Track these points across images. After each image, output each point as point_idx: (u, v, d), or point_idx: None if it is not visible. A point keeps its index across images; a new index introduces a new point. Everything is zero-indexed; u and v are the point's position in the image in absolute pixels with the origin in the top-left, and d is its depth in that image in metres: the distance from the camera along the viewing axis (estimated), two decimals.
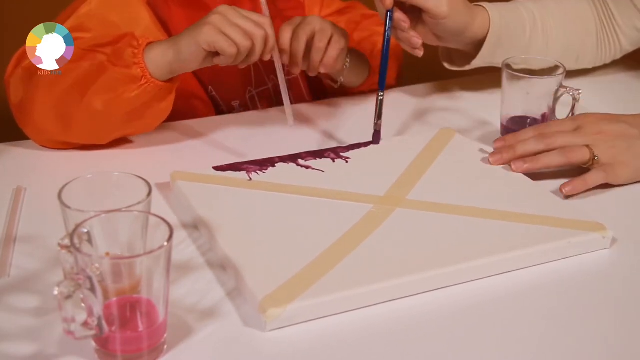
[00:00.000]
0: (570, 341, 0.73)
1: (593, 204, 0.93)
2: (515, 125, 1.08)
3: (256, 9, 1.05)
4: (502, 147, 0.99)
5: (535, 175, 0.97)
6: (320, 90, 1.28)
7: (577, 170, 0.96)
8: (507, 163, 0.98)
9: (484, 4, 1.14)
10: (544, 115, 1.08)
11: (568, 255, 0.84)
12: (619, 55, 1.27)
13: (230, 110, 1.22)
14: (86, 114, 1.00)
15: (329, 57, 1.06)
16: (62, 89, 0.99)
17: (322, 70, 1.08)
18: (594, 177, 0.94)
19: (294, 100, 1.22)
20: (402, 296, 0.77)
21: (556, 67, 1.08)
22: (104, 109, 0.99)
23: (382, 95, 1.04)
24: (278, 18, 1.11)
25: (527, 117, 1.08)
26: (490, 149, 1.04)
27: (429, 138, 1.06)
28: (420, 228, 0.86)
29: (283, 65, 1.07)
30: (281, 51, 1.05)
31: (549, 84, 1.06)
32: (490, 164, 0.97)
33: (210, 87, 1.19)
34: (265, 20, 0.99)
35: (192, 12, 1.11)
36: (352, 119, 1.16)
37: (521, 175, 0.97)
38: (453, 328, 0.74)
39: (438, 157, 1.01)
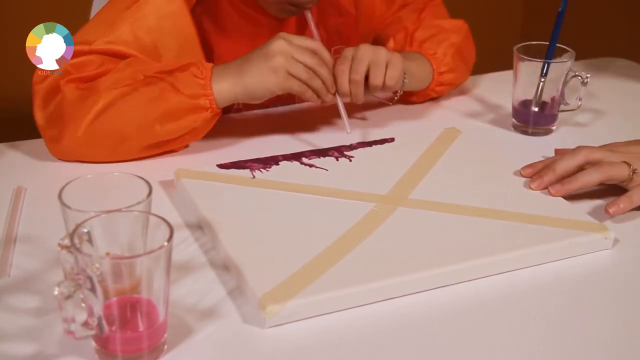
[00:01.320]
0: (571, 341, 0.73)
1: (595, 205, 0.93)
2: (526, 108, 1.11)
3: (304, 32, 1.05)
4: (538, 169, 0.96)
5: None
6: None
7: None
8: (549, 185, 0.93)
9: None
10: (553, 99, 1.10)
11: (570, 255, 0.84)
12: None
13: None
14: (140, 136, 1.00)
15: (387, 88, 1.08)
16: (119, 112, 0.98)
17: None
18: (638, 195, 0.90)
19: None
20: (402, 294, 0.77)
21: (566, 52, 1.10)
22: (162, 132, 1.00)
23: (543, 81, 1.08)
24: (330, 34, 1.12)
25: None
26: (493, 148, 1.04)
27: (433, 137, 1.06)
28: (421, 227, 0.86)
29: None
30: (342, 94, 1.06)
31: (559, 68, 1.08)
32: (532, 189, 0.93)
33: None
34: (325, 55, 1.02)
35: (252, 14, 1.12)
36: (356, 118, 1.16)
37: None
38: (454, 327, 0.74)
39: (441, 157, 1.01)
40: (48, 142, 1.02)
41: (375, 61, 1.05)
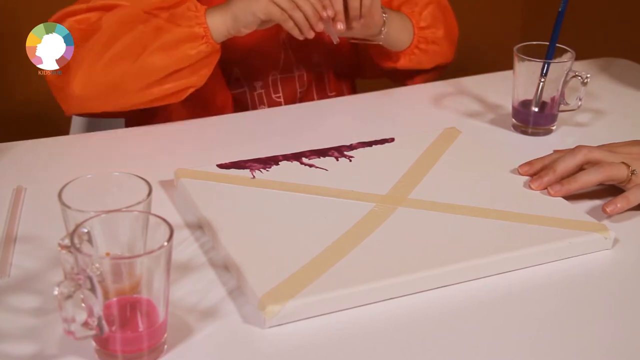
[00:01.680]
0: (572, 341, 0.73)
1: (594, 205, 0.93)
2: (526, 108, 1.11)
3: None
4: (536, 168, 0.96)
5: None
6: (347, 85, 1.29)
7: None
8: (549, 185, 0.93)
9: None
10: (553, 99, 1.10)
11: (570, 255, 0.84)
12: None
13: (252, 90, 1.23)
14: (139, 74, 1.04)
15: (365, 7, 1.10)
16: (116, 52, 1.03)
17: (360, 21, 1.12)
18: (635, 195, 0.90)
19: (319, 96, 1.26)
20: (402, 294, 0.77)
21: (566, 52, 1.10)
22: (162, 65, 1.05)
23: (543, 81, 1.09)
24: None
25: None
26: (493, 148, 1.04)
27: (433, 137, 1.06)
28: (421, 227, 0.86)
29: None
30: (325, 6, 1.08)
31: (559, 68, 1.08)
32: (532, 189, 0.93)
33: (236, 69, 1.21)
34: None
35: None
36: (356, 118, 1.16)
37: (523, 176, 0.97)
38: (454, 327, 0.74)
39: (441, 157, 1.01)
40: (57, 93, 1.05)
41: None
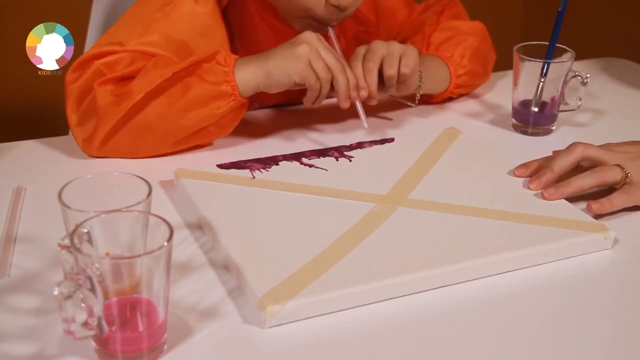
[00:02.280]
0: (572, 341, 0.73)
1: None
2: (526, 108, 1.11)
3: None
4: (533, 169, 0.96)
5: None
6: None
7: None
8: (548, 185, 0.93)
9: None
10: (553, 99, 1.11)
11: (570, 255, 0.84)
12: None
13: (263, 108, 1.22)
14: (166, 134, 1.01)
15: (403, 80, 1.06)
16: (144, 115, 0.99)
17: (397, 94, 1.10)
18: (619, 199, 0.90)
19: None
20: (402, 294, 0.77)
21: (566, 52, 1.10)
22: (187, 125, 1.01)
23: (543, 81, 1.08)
24: (350, 44, 1.12)
25: None
26: (493, 148, 1.04)
27: (433, 137, 1.06)
28: (421, 227, 0.86)
29: None
30: (361, 87, 1.04)
31: (559, 68, 1.08)
32: (531, 189, 0.93)
33: (256, 103, 1.20)
34: (342, 61, 1.02)
35: (278, 26, 1.13)
36: (356, 118, 1.16)
37: None
38: (453, 327, 0.74)
39: (441, 157, 1.01)
40: (81, 142, 1.02)
41: (389, 52, 1.05)
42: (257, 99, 1.18)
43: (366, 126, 1.06)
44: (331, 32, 1.08)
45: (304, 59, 0.99)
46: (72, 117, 1.01)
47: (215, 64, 1.00)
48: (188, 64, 0.99)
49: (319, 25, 1.08)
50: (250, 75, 1.00)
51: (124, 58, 1.01)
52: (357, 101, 1.06)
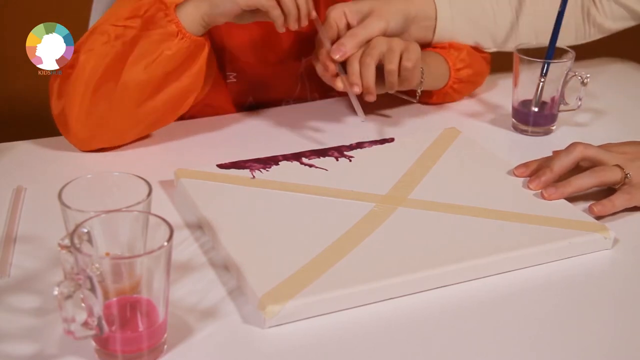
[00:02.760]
0: (572, 341, 0.73)
1: None
2: (526, 108, 1.11)
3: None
4: (532, 169, 0.96)
5: None
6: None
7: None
8: (548, 185, 0.93)
9: None
10: (553, 99, 1.11)
11: (570, 255, 0.84)
12: (597, 35, 1.25)
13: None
14: (125, 93, 0.99)
15: (406, 75, 1.05)
16: (97, 81, 0.99)
17: (397, 90, 1.08)
18: (620, 200, 0.90)
19: (295, 95, 1.23)
20: (402, 294, 0.77)
21: (566, 52, 1.10)
22: (145, 76, 0.99)
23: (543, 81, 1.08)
24: None
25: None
26: (493, 148, 1.04)
27: (433, 137, 1.06)
28: (421, 227, 0.86)
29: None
30: (353, 83, 1.03)
31: (559, 68, 1.08)
32: (530, 188, 0.93)
33: (250, 97, 1.19)
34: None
35: None
36: (356, 118, 1.16)
37: None
38: (454, 327, 0.74)
39: (441, 157, 1.01)
40: (64, 133, 1.03)
41: (389, 48, 1.04)
42: (252, 93, 1.19)
43: (363, 119, 1.05)
44: (315, 18, 1.04)
45: None
46: (53, 106, 1.03)
47: (156, 11, 0.99)
48: (128, 15, 0.99)
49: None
50: (192, 9, 0.99)
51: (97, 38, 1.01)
52: (350, 92, 1.05)
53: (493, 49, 1.21)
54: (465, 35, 1.17)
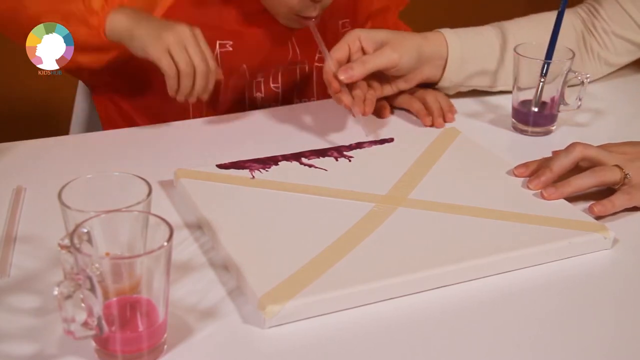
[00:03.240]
0: (572, 341, 0.73)
1: None
2: (526, 108, 1.12)
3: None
4: (532, 169, 0.96)
5: None
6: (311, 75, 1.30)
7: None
8: (547, 185, 0.93)
9: (439, 29, 1.16)
10: (553, 99, 1.11)
11: (569, 255, 0.84)
12: (606, 70, 1.27)
13: (252, 78, 1.23)
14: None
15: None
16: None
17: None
18: (620, 200, 0.91)
19: (318, 89, 1.26)
20: (402, 294, 0.77)
21: (566, 52, 1.10)
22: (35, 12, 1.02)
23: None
24: (338, 37, 1.13)
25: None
26: (493, 148, 1.04)
27: (433, 137, 1.06)
28: (421, 227, 0.86)
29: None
30: (355, 106, 1.06)
31: (559, 68, 1.08)
32: (530, 188, 0.93)
33: (244, 65, 1.20)
34: (213, 64, 1.03)
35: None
36: (356, 118, 1.16)
37: None
38: (454, 327, 0.74)
39: (441, 157, 1.01)
40: None
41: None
42: (245, 60, 1.19)
43: (367, 134, 1.07)
44: (313, 29, 1.09)
45: (163, 44, 1.00)
46: None
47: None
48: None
49: (301, 19, 1.10)
50: (119, 26, 1.02)
51: None
52: (359, 115, 1.07)
53: (496, 89, 1.22)
54: (470, 77, 1.19)
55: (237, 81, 1.21)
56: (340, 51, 1.07)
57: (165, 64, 1.01)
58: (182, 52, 1.01)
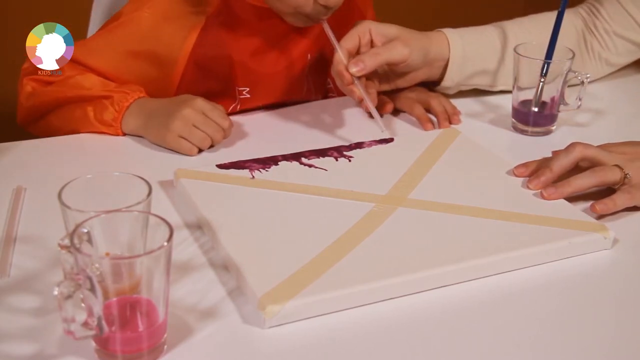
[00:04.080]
0: (572, 341, 0.73)
1: None
2: (526, 108, 1.12)
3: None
4: (532, 169, 0.96)
5: None
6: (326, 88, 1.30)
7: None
8: (547, 184, 0.93)
9: (441, 29, 1.16)
10: (553, 99, 1.11)
11: (569, 255, 0.84)
12: (607, 70, 1.27)
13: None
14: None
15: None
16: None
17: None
18: (621, 199, 0.91)
19: (302, 96, 1.24)
20: (402, 294, 0.77)
21: (566, 52, 1.10)
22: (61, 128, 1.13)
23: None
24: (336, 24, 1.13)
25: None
26: (493, 148, 1.04)
27: (432, 138, 1.06)
28: (421, 227, 0.86)
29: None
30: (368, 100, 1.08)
31: (559, 68, 1.08)
32: (530, 188, 0.93)
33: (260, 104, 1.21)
34: (225, 122, 1.06)
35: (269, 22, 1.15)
36: (356, 118, 1.16)
37: None
38: (454, 327, 0.74)
39: (441, 157, 1.01)
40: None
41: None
42: (262, 101, 1.20)
43: (383, 130, 1.07)
44: (325, 26, 1.08)
45: (174, 133, 1.04)
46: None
47: (109, 105, 1.08)
48: (92, 95, 1.09)
49: (310, 20, 1.10)
50: (132, 128, 1.08)
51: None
52: (371, 107, 1.07)
53: (496, 89, 1.22)
54: (471, 76, 1.19)
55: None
56: (350, 41, 1.08)
57: (185, 149, 1.04)
58: (193, 131, 1.04)
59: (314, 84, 1.24)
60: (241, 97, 1.18)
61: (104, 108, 1.08)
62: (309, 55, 1.19)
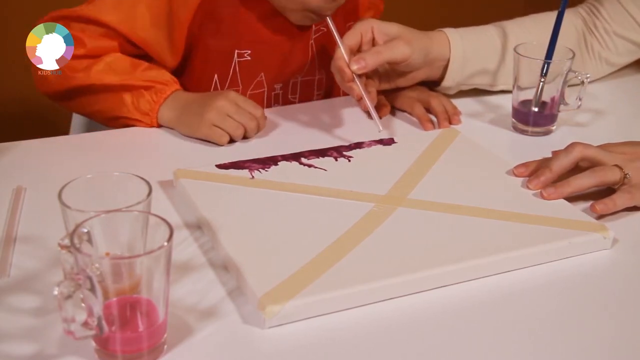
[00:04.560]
0: (572, 341, 0.73)
1: None
2: (526, 108, 1.11)
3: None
4: (532, 169, 0.96)
5: None
6: (330, 89, 1.30)
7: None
8: (547, 184, 0.93)
9: (442, 29, 1.17)
10: (553, 99, 1.10)
11: (569, 255, 0.84)
12: (607, 70, 1.27)
13: (270, 90, 1.23)
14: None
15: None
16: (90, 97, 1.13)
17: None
18: (621, 199, 0.91)
19: (305, 98, 1.25)
20: (402, 294, 0.77)
21: (566, 52, 1.10)
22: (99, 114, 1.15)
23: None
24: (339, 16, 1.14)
25: None
26: (492, 148, 1.04)
27: (432, 138, 1.06)
28: (421, 227, 0.86)
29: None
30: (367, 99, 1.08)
31: (559, 68, 1.08)
32: (530, 188, 0.93)
33: (262, 73, 1.20)
34: (258, 112, 1.08)
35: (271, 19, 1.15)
36: (355, 118, 1.16)
37: None
38: (454, 327, 0.74)
39: (440, 157, 1.01)
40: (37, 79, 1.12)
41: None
42: (263, 69, 1.20)
43: (380, 130, 1.06)
44: (329, 21, 1.09)
45: (208, 122, 1.06)
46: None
47: (149, 95, 1.10)
48: (134, 83, 1.10)
49: (316, 17, 1.10)
50: (167, 119, 1.11)
51: (74, 26, 1.09)
52: (369, 106, 1.07)
53: (496, 89, 1.22)
54: (471, 76, 1.19)
55: (256, 92, 1.21)
56: (352, 39, 1.08)
57: (216, 137, 1.06)
58: (227, 120, 1.06)
59: (319, 61, 1.24)
60: (242, 59, 1.17)
61: (140, 96, 1.10)
62: (313, 27, 1.19)
